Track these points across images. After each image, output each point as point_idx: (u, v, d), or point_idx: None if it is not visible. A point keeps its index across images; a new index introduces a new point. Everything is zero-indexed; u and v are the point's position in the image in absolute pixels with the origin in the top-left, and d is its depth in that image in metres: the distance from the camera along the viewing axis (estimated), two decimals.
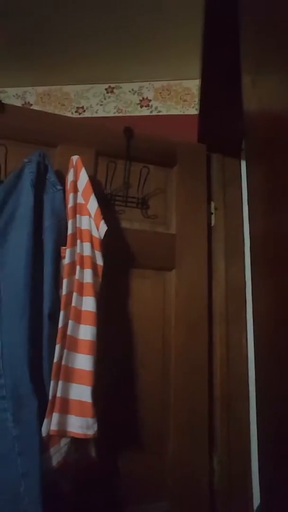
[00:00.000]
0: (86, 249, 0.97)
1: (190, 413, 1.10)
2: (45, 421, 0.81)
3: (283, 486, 0.50)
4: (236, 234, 1.27)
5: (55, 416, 0.81)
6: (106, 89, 1.81)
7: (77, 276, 0.93)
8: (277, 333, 0.56)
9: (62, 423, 0.82)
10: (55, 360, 0.85)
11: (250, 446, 1.08)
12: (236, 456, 1.10)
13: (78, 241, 0.98)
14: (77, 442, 0.85)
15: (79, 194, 1.04)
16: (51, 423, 0.81)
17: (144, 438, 1.05)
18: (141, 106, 1.77)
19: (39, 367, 0.86)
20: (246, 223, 1.25)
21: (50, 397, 0.83)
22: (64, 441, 0.84)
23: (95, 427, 0.83)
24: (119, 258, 1.14)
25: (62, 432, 0.81)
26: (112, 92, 1.81)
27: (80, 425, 0.82)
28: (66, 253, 0.95)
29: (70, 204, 1.01)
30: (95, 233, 1.00)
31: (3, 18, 1.54)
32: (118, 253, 1.13)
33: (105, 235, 1.01)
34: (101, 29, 1.56)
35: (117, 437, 1.02)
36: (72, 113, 1.79)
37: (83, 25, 1.55)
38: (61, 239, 0.98)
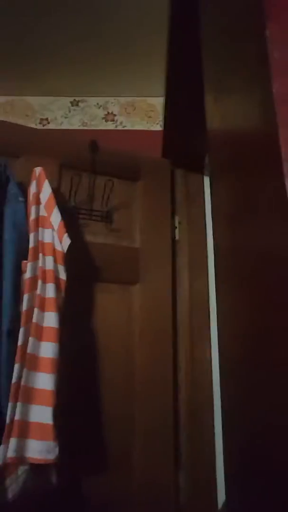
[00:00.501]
0: (48, 263, 0.94)
1: (155, 428, 1.08)
2: (1, 447, 0.76)
3: (248, 501, 0.49)
4: (200, 248, 1.29)
5: (13, 441, 0.76)
6: (71, 102, 1.81)
7: (38, 291, 0.90)
8: (239, 346, 0.56)
9: (21, 449, 0.77)
10: (13, 380, 0.80)
11: (215, 459, 1.08)
12: (202, 470, 1.09)
13: (40, 254, 0.95)
14: (36, 469, 0.80)
15: (42, 206, 1.02)
16: (8, 450, 0.75)
17: (108, 458, 1.02)
18: (106, 120, 1.78)
19: None
20: (210, 237, 1.27)
21: (7, 421, 0.78)
22: (22, 469, 0.79)
23: (57, 451, 0.79)
24: (83, 272, 1.12)
25: (20, 459, 0.76)
26: (77, 105, 1.80)
27: (41, 449, 0.78)
28: (28, 267, 0.92)
29: (32, 216, 0.99)
30: (58, 247, 0.98)
31: None
32: (81, 267, 1.11)
33: (68, 249, 0.98)
34: (68, 43, 1.57)
35: (79, 459, 0.98)
36: (36, 125, 1.76)
37: (50, 38, 1.55)
38: (22, 253, 0.94)
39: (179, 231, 1.33)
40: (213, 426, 1.11)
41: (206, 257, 1.29)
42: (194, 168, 1.40)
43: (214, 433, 1.10)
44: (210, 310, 1.22)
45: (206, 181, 1.38)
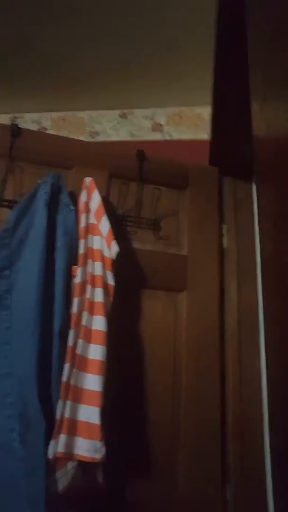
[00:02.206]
0: (97, 268, 0.98)
1: (201, 438, 1.06)
2: (52, 442, 0.79)
3: None
4: (248, 256, 1.26)
5: (62, 438, 0.79)
6: (119, 114, 1.87)
7: (88, 295, 0.93)
8: None
9: (69, 445, 0.80)
10: (63, 379, 0.84)
11: (265, 473, 1.04)
12: (251, 484, 1.05)
13: (90, 260, 0.99)
14: (84, 467, 0.82)
15: (91, 214, 1.06)
16: (58, 445, 0.79)
17: (154, 464, 1.02)
18: (154, 131, 1.82)
19: (48, 387, 0.86)
20: (258, 244, 1.24)
21: (57, 418, 0.81)
22: (70, 465, 0.82)
23: (103, 451, 0.80)
24: (131, 278, 1.14)
25: (69, 455, 0.79)
26: (125, 117, 1.86)
27: (88, 448, 0.80)
28: (78, 272, 0.96)
29: (82, 224, 1.03)
30: (106, 253, 1.01)
31: (25, 49, 1.63)
32: (129, 273, 1.14)
33: (116, 256, 1.01)
34: (114, 58, 1.63)
35: (125, 462, 0.99)
36: (86, 137, 1.85)
37: (99, 56, 1.63)
38: (72, 258, 0.99)
39: (227, 239, 1.31)
40: (263, 438, 1.07)
41: (255, 265, 1.26)
42: (242, 175, 1.38)
43: (264, 446, 1.06)
44: (259, 318, 1.19)
45: (255, 188, 1.36)
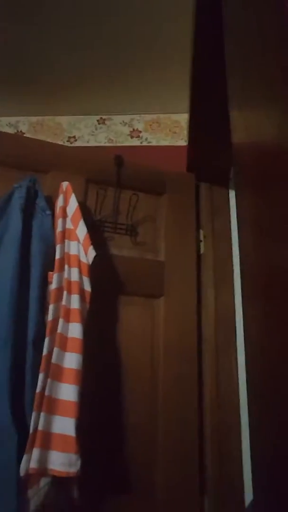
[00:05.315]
0: (74, 274, 0.95)
1: (179, 448, 1.04)
2: (24, 457, 0.75)
3: None
4: (225, 262, 1.27)
5: (36, 452, 0.75)
6: (97, 120, 1.86)
7: (64, 302, 0.91)
8: (270, 362, 0.54)
9: (43, 460, 0.76)
10: (37, 390, 0.80)
11: (243, 483, 1.03)
12: (229, 495, 1.04)
13: (66, 266, 0.96)
14: (59, 482, 0.79)
15: (68, 219, 1.04)
16: (31, 460, 0.75)
17: (131, 478, 0.99)
18: (132, 137, 1.81)
19: (21, 398, 0.82)
20: (235, 251, 1.25)
21: (31, 431, 0.77)
22: (44, 481, 0.78)
23: (79, 464, 0.77)
24: (107, 284, 1.12)
25: (42, 470, 0.76)
26: (103, 123, 1.86)
27: (63, 462, 0.77)
28: (54, 278, 0.93)
29: (58, 229, 1.01)
30: (83, 259, 0.99)
31: (4, 52, 1.59)
32: (106, 279, 1.12)
33: (93, 261, 0.99)
34: (94, 64, 1.63)
35: (102, 476, 0.96)
36: (64, 142, 1.82)
37: (77, 60, 1.62)
38: (48, 264, 0.96)
39: (204, 245, 1.32)
40: (240, 446, 1.07)
41: (232, 271, 1.27)
42: (219, 182, 1.40)
43: (241, 454, 1.06)
44: (236, 324, 1.19)
45: (231, 194, 1.37)
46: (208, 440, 1.09)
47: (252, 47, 0.64)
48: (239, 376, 1.14)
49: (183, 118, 1.76)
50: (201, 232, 1.33)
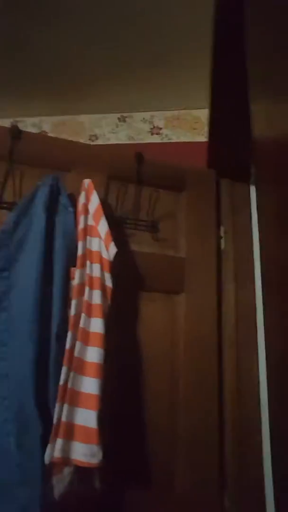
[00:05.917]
0: (95, 270, 0.97)
1: (199, 442, 1.05)
2: (48, 446, 0.78)
3: None
4: (246, 258, 1.26)
5: (59, 442, 0.78)
6: (118, 118, 1.88)
7: (86, 297, 0.93)
8: None
9: (66, 450, 0.78)
10: (60, 382, 0.83)
11: (264, 480, 1.03)
12: (249, 491, 1.03)
13: (88, 262, 0.98)
14: (81, 472, 0.81)
15: (90, 216, 1.06)
16: (55, 449, 0.77)
17: (151, 471, 1.00)
18: (152, 134, 1.82)
19: (45, 390, 0.85)
20: (256, 247, 1.24)
21: (54, 421, 0.80)
22: (67, 470, 0.80)
23: (100, 455, 0.79)
24: (128, 280, 1.13)
25: (65, 460, 0.78)
26: (124, 121, 1.87)
27: (85, 452, 0.79)
28: (76, 274, 0.95)
29: (80, 225, 1.03)
30: (105, 255, 1.01)
31: (25, 53, 1.63)
32: (127, 275, 1.13)
33: (114, 257, 1.01)
34: (115, 64, 1.64)
35: (122, 468, 0.97)
36: (85, 141, 1.85)
37: (98, 61, 1.64)
38: (71, 260, 0.98)
39: (225, 241, 1.31)
40: (261, 442, 1.06)
41: (253, 267, 1.25)
42: (240, 178, 1.38)
43: (262, 451, 1.05)
44: (257, 320, 1.18)
45: (252, 190, 1.36)
46: (228, 436, 1.09)
47: (278, 33, 0.63)
48: (260, 374, 1.13)
49: (204, 114, 1.75)
50: (222, 228, 1.33)
